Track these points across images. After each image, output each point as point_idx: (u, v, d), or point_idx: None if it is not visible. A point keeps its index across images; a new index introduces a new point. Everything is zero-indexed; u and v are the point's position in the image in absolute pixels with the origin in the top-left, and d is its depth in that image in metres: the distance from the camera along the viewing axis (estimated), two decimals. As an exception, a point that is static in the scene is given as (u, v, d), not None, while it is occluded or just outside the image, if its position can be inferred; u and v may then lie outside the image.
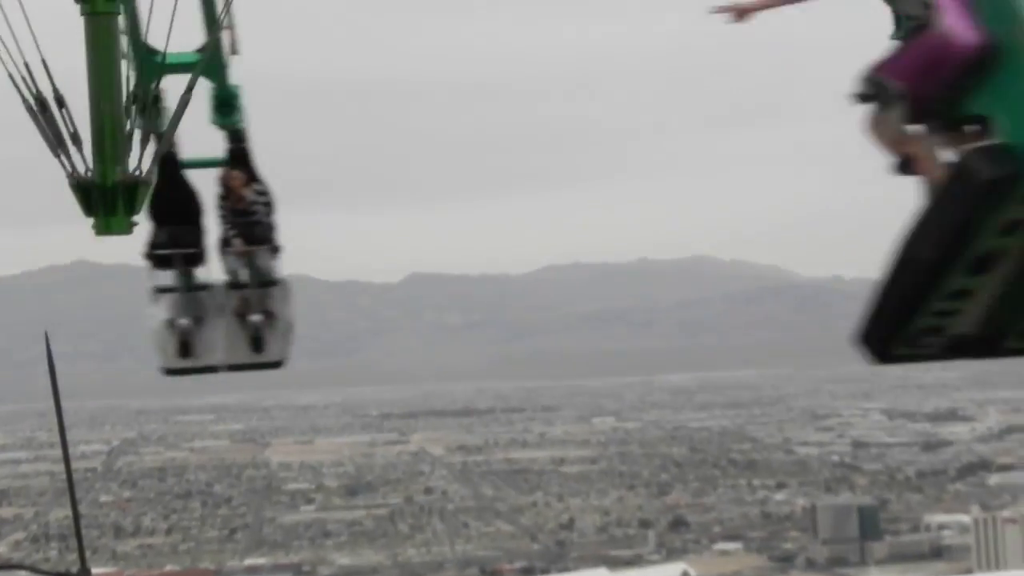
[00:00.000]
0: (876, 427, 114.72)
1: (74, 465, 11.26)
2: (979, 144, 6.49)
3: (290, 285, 12.77)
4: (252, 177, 12.41)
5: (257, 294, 12.47)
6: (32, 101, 10.88)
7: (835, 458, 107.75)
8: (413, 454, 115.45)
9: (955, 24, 6.36)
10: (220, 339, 12.71)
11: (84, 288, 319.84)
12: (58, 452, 11.08)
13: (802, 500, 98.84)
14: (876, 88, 6.94)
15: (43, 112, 10.96)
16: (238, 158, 12.50)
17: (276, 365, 12.70)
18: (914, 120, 6.79)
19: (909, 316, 7.01)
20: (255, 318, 12.39)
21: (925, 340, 7.24)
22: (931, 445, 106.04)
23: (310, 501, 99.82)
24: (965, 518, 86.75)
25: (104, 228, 11.30)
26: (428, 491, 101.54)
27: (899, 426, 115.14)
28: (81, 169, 11.21)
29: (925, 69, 6.56)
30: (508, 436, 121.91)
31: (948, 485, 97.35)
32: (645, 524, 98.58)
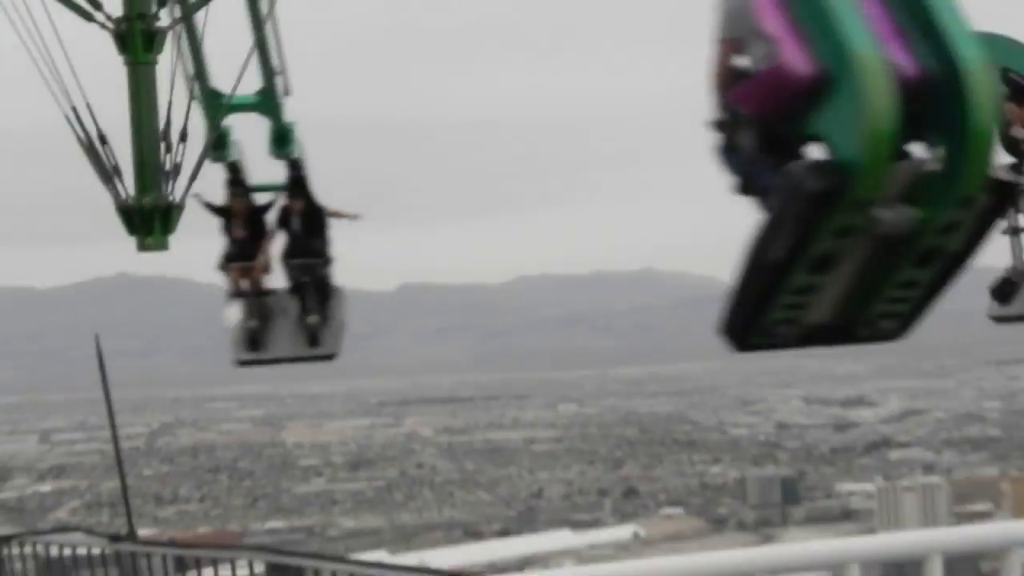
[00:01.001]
0: (796, 411, 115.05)
1: (121, 444, 11.23)
2: (807, 160, 6.40)
3: (343, 292, 12.76)
4: (309, 201, 12.37)
5: (314, 299, 12.43)
6: (84, 139, 10.92)
7: (761, 437, 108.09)
8: (406, 435, 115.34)
9: (792, 56, 6.25)
10: (283, 336, 12.66)
11: (126, 296, 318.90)
12: (107, 433, 11.03)
13: (734, 472, 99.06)
14: (731, 114, 6.79)
15: (93, 148, 11.01)
16: (297, 184, 12.34)
17: (330, 357, 12.74)
18: (762, 142, 6.63)
19: (762, 310, 6.80)
20: (312, 319, 12.36)
21: (779, 330, 7.02)
22: (842, 426, 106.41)
23: (319, 474, 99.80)
24: (870, 487, 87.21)
25: (142, 245, 11.37)
26: (419, 466, 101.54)
27: (815, 410, 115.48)
28: (124, 196, 11.24)
29: (769, 96, 6.44)
30: (487, 420, 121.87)
31: (856, 459, 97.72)
32: (602, 493, 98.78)
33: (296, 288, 12.41)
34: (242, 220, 12.26)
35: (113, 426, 10.14)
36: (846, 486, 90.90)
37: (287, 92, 12.01)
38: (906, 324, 7.21)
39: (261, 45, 11.55)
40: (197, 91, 11.71)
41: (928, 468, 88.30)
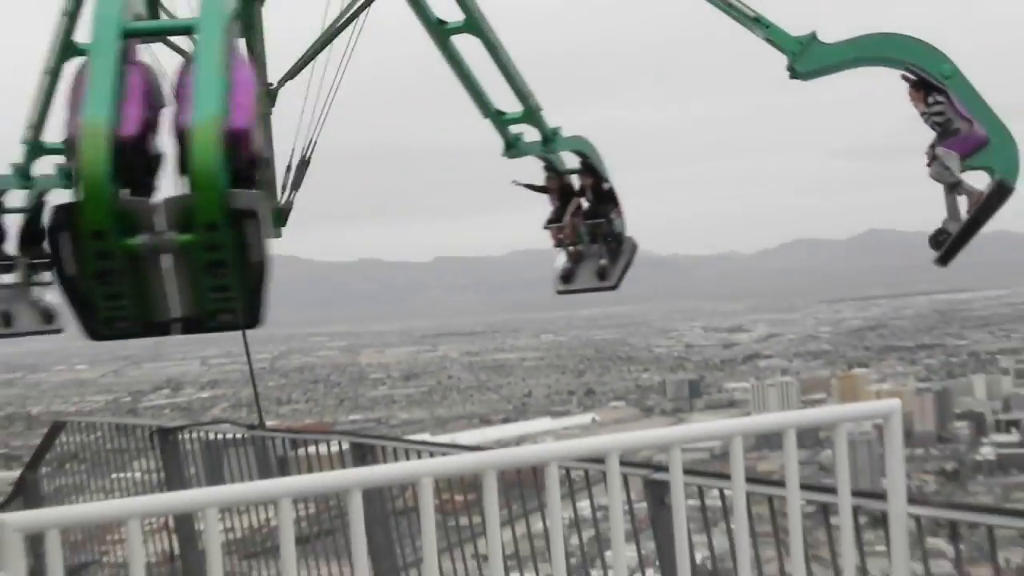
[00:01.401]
0: (698, 336, 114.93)
1: (253, 365, 11.23)
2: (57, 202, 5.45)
3: (632, 241, 11.83)
4: (597, 178, 11.53)
5: (605, 247, 11.62)
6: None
7: (675, 353, 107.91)
8: (440, 357, 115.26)
9: (129, 111, 5.30)
10: (585, 273, 11.74)
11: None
12: (245, 358, 10.99)
13: (657, 377, 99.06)
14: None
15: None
16: (586, 167, 11.58)
17: (612, 288, 11.86)
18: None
19: (90, 311, 5.67)
20: (602, 261, 11.67)
21: (119, 325, 5.88)
22: (728, 345, 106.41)
23: (383, 384, 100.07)
24: (746, 384, 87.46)
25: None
26: (449, 377, 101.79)
27: (710, 335, 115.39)
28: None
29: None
30: (493, 345, 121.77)
31: (737, 367, 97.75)
32: (571, 393, 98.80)
33: (592, 239, 11.82)
34: (556, 194, 11.69)
35: (248, 353, 10.12)
36: (730, 384, 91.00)
37: (539, 107, 11.31)
38: (247, 316, 6.10)
39: (510, 78, 11.01)
40: (487, 111, 11.33)
41: (784, 371, 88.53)
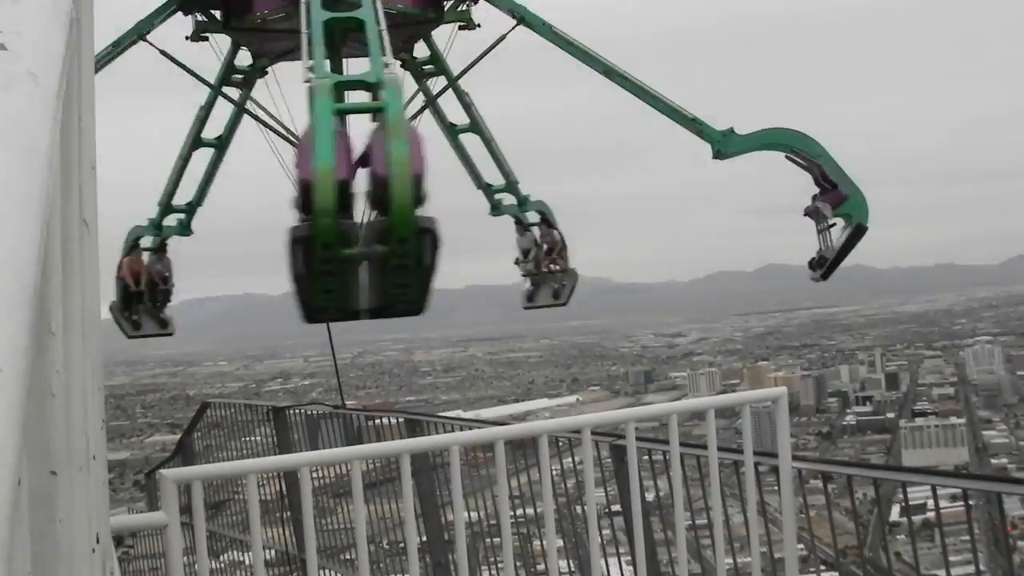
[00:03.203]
0: (650, 340, 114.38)
1: (338, 362, 11.20)
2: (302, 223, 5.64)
3: (575, 272, 10.43)
4: (551, 228, 10.51)
5: (562, 275, 10.20)
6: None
7: (635, 352, 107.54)
8: (469, 356, 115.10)
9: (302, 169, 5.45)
10: (545, 294, 10.35)
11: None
12: (331, 358, 10.94)
13: (622, 369, 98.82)
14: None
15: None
16: (544, 220, 10.44)
17: (563, 304, 10.54)
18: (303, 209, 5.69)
19: (308, 301, 5.76)
20: (556, 286, 10.40)
21: (328, 312, 6.00)
22: (671, 346, 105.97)
23: (430, 375, 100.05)
24: (684, 374, 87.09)
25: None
26: (476, 370, 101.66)
27: (660, 339, 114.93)
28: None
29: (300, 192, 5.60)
30: (507, 347, 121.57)
31: (678, 362, 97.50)
32: (561, 381, 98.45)
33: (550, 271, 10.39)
34: None
35: (333, 354, 10.11)
36: (673, 374, 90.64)
37: (516, 181, 10.88)
38: (416, 304, 6.10)
39: (498, 162, 10.71)
40: (479, 183, 10.72)
41: (710, 364, 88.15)
